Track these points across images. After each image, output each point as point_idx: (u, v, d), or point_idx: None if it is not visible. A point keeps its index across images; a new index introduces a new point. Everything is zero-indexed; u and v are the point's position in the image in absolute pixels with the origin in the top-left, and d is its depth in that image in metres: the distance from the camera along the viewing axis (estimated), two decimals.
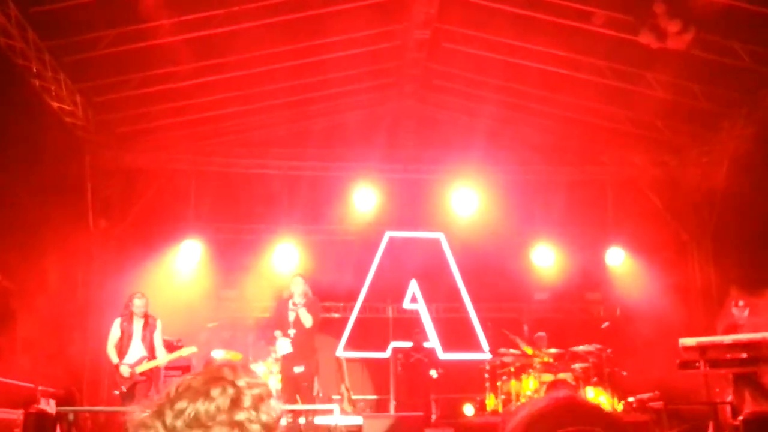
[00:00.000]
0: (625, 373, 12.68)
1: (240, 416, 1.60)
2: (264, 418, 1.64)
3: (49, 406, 10.45)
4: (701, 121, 14.44)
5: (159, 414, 1.62)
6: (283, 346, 10.28)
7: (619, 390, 12.46)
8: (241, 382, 1.66)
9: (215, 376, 1.66)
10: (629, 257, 15.33)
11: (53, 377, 11.34)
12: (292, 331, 10.27)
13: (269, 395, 1.69)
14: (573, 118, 15.19)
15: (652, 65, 12.63)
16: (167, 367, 10.83)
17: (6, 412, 9.54)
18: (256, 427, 1.62)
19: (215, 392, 1.62)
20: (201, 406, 1.60)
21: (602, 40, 12.35)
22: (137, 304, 10.13)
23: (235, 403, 1.62)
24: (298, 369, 10.10)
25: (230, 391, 1.63)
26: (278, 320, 10.50)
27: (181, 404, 1.61)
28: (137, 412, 1.66)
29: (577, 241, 15.52)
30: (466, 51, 13.73)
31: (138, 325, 10.12)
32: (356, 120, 15.79)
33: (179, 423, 1.59)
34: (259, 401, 1.65)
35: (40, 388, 10.68)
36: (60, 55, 11.93)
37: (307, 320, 10.24)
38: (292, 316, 10.34)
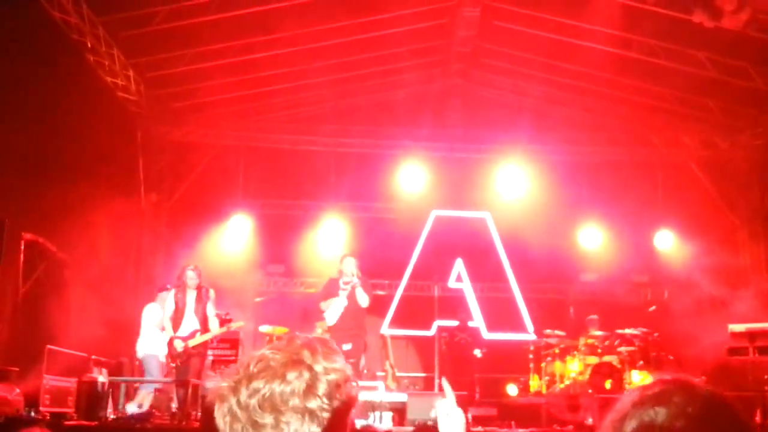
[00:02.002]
0: (671, 358, 12.55)
1: (312, 404, 1.61)
2: (336, 405, 1.65)
3: (102, 376, 10.73)
4: (755, 102, 14.13)
5: (235, 390, 1.64)
6: (335, 308, 10.29)
7: (665, 374, 12.33)
8: (319, 367, 1.65)
9: (294, 358, 1.66)
10: (678, 240, 15.12)
11: (105, 347, 11.62)
12: (339, 311, 10.28)
13: (346, 381, 1.69)
14: (622, 97, 14.99)
15: (705, 44, 12.40)
16: (217, 340, 11.01)
17: (61, 380, 9.81)
18: (326, 415, 1.62)
19: (291, 375, 1.62)
20: (276, 387, 1.61)
21: (654, 19, 12.13)
22: (190, 275, 10.20)
23: (310, 389, 1.62)
24: (346, 346, 10.14)
25: (306, 375, 1.63)
26: (326, 298, 10.51)
27: (257, 383, 1.62)
28: (217, 383, 1.69)
29: (626, 222, 15.34)
30: (515, 29, 13.62)
31: (191, 297, 10.19)
32: (404, 98, 15.76)
33: (253, 402, 1.61)
34: (334, 388, 1.65)
35: (92, 357, 10.94)
36: (114, 30, 12.11)
37: (363, 299, 10.20)
38: (343, 295, 10.32)
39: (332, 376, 1.66)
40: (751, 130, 14.86)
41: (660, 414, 1.51)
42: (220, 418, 1.66)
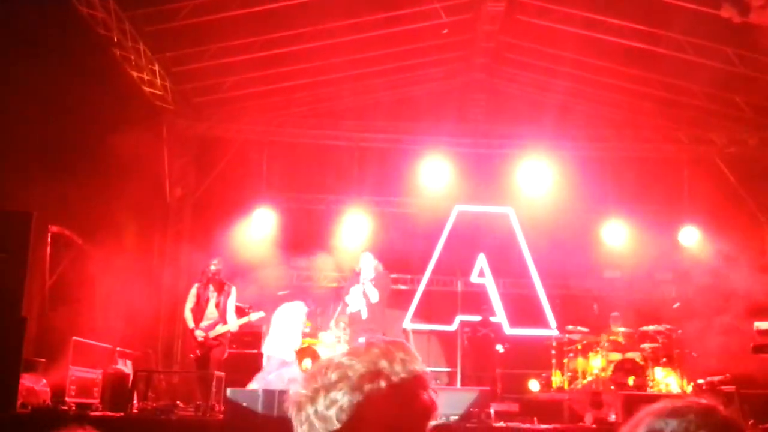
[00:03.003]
0: (695, 355, 12.46)
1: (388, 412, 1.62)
2: (413, 414, 1.64)
3: (126, 367, 10.87)
4: None
5: (313, 399, 1.65)
6: (356, 300, 10.43)
7: (688, 372, 12.26)
8: (396, 378, 1.64)
9: (371, 369, 1.65)
10: (703, 237, 14.99)
11: (130, 339, 11.74)
12: (362, 305, 10.43)
13: (423, 388, 1.67)
14: (649, 93, 14.86)
15: (733, 40, 12.27)
16: (238, 332, 11.09)
17: (86, 372, 9.94)
18: (403, 423, 1.63)
19: (368, 387, 1.63)
20: (354, 400, 1.62)
21: (682, 14, 12.00)
22: (213, 270, 10.41)
23: (386, 397, 1.62)
24: (361, 339, 10.21)
25: (383, 385, 1.63)
26: (350, 291, 10.70)
27: (335, 394, 1.63)
28: (296, 391, 1.69)
29: (650, 219, 15.21)
30: (539, 24, 13.54)
31: (213, 291, 10.37)
32: (426, 93, 15.76)
33: (330, 413, 1.62)
34: (411, 397, 1.64)
35: (117, 349, 11.08)
36: (140, 25, 12.22)
37: (373, 295, 10.38)
38: (359, 290, 10.51)
39: (409, 385, 1.65)
40: None
41: (670, 425, 1.51)
42: (298, 425, 1.67)
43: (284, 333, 10.56)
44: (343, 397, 1.62)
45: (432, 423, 1.64)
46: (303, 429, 1.66)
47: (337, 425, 1.61)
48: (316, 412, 1.63)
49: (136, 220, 12.63)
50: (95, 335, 10.70)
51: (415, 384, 1.66)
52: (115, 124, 11.74)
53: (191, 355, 10.45)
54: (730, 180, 15.34)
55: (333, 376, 1.65)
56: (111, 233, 12.00)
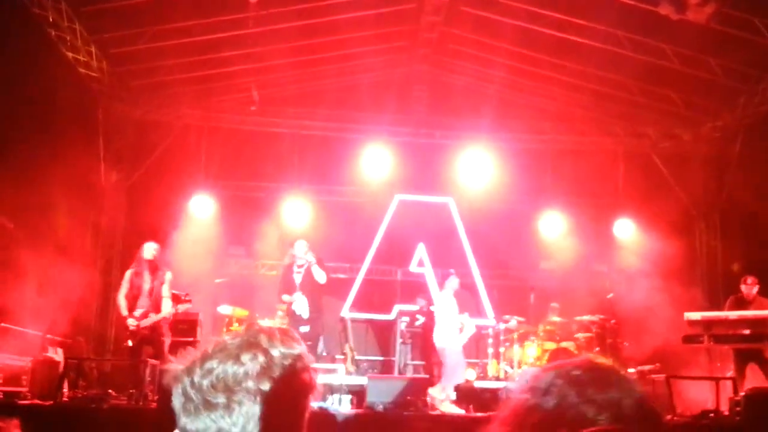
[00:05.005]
0: (626, 344, 12.74)
1: (265, 386, 1.59)
2: (291, 389, 1.63)
3: (57, 355, 10.59)
4: (717, 96, 14.33)
5: (189, 371, 1.61)
6: (300, 304, 10.40)
7: (620, 360, 12.52)
8: (276, 352, 1.63)
9: (251, 341, 1.64)
10: (637, 229, 15.31)
11: (62, 326, 11.47)
12: (298, 294, 10.42)
13: (303, 367, 1.67)
14: (586, 87, 15.07)
15: (670, 37, 12.52)
16: (174, 320, 10.86)
17: (15, 359, 9.68)
18: (279, 398, 1.60)
19: (246, 357, 1.60)
20: (230, 368, 1.59)
21: (620, 9, 12.20)
22: (147, 254, 10.09)
23: (264, 371, 1.60)
24: (304, 329, 10.19)
25: (261, 358, 1.61)
26: (285, 285, 10.65)
27: (210, 364, 1.60)
28: (174, 364, 1.66)
29: (587, 211, 15.49)
30: (482, 15, 13.61)
31: (147, 277, 10.07)
32: (369, 82, 15.70)
33: (206, 382, 1.58)
34: (290, 373, 1.63)
35: (48, 336, 10.80)
36: (76, 5, 11.90)
37: (321, 276, 10.34)
38: (298, 279, 10.48)
39: (288, 362, 1.64)
40: (712, 123, 15.07)
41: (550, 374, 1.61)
42: (176, 398, 1.63)
43: (445, 320, 10.57)
44: (218, 366, 1.59)
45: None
46: (180, 401, 1.62)
47: (212, 394, 1.58)
48: (192, 382, 1.60)
49: (70, 204, 12.29)
50: (25, 322, 10.42)
51: (295, 361, 1.65)
52: (49, 106, 11.42)
53: (126, 343, 10.17)
54: (663, 173, 15.68)
55: (210, 348, 1.64)
56: (43, 218, 11.68)
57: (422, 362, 13.22)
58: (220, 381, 1.58)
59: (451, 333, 10.60)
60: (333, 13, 13.17)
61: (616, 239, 15.54)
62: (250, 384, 1.58)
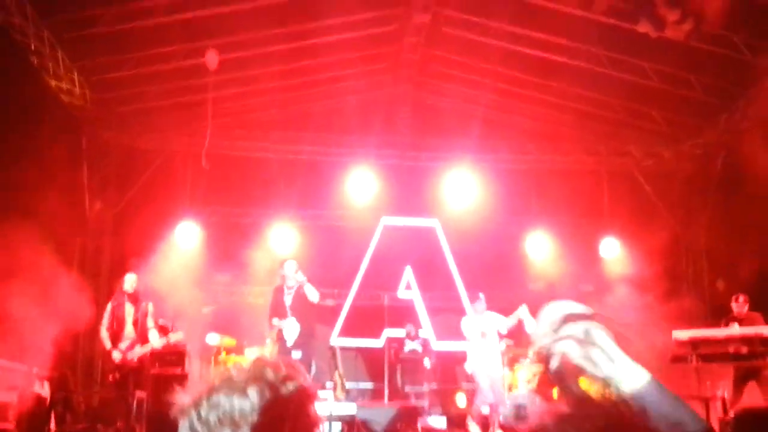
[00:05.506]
0: None
1: (272, 421, 1.59)
2: (297, 424, 1.63)
3: (43, 389, 10.46)
4: (698, 113, 14.45)
5: (196, 404, 1.61)
6: (291, 328, 10.29)
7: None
8: (282, 386, 1.64)
9: (257, 375, 1.64)
10: (623, 248, 15.35)
11: (48, 360, 11.31)
12: (290, 318, 10.31)
13: (310, 403, 1.67)
14: (569, 106, 15.16)
15: (650, 55, 12.63)
16: (161, 351, 10.78)
17: (1, 395, 9.54)
18: None
19: (252, 391, 1.60)
20: (236, 403, 1.59)
21: (600, 28, 12.30)
22: (127, 286, 10.10)
23: (271, 406, 1.60)
24: (296, 354, 10.11)
25: (268, 393, 1.61)
26: (275, 308, 10.51)
27: (217, 398, 1.60)
28: (183, 397, 1.65)
29: (572, 231, 15.55)
30: (464, 36, 13.68)
31: (129, 309, 10.07)
32: (354, 105, 15.73)
33: (213, 417, 1.59)
34: (296, 408, 1.63)
35: (34, 370, 10.66)
36: (59, 32, 11.84)
37: (314, 295, 10.23)
38: (289, 300, 10.36)
39: (295, 396, 1.64)
40: (693, 140, 15.19)
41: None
42: None
43: (474, 344, 10.60)
44: (225, 400, 1.60)
45: None
46: None
47: (219, 428, 1.58)
48: (199, 416, 1.60)
49: (54, 235, 12.17)
50: (11, 356, 10.28)
51: (301, 396, 1.66)
52: (31, 134, 11.34)
53: (110, 377, 10.09)
54: (647, 191, 15.76)
55: (217, 381, 1.64)
56: (27, 247, 11.54)
57: (414, 387, 13.18)
58: (227, 416, 1.59)
59: (479, 357, 10.59)
60: (316, 37, 13.18)
61: (602, 258, 15.57)
62: (257, 418, 1.59)
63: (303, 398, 1.66)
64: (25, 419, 9.40)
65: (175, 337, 10.39)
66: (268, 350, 11.78)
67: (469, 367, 10.66)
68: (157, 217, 14.46)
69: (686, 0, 10.89)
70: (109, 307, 10.20)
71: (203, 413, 1.59)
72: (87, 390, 12.98)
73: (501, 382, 10.71)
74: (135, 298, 10.17)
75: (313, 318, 10.65)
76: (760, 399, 9.42)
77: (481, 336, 10.65)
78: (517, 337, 13.12)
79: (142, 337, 10.02)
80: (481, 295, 11.06)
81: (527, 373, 12.29)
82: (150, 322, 10.14)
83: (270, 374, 1.65)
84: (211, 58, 12.02)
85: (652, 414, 1.60)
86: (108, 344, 9.94)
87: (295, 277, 10.34)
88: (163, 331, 10.56)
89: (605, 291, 15.30)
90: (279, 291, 10.59)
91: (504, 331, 10.85)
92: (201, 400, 1.61)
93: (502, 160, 15.94)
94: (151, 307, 10.24)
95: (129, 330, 10.05)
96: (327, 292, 14.74)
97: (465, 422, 9.86)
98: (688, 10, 10.92)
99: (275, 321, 10.42)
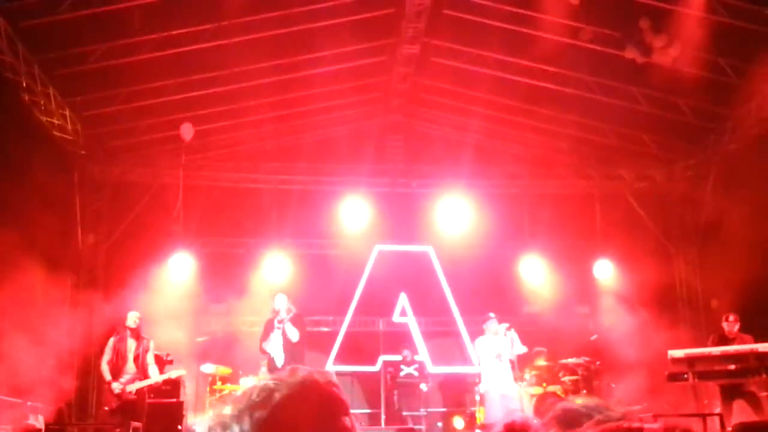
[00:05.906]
0: (614, 385, 12.71)
1: None
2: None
3: (38, 422, 10.40)
4: (687, 136, 14.59)
5: (239, 418, 1.62)
6: (279, 355, 10.34)
7: (608, 402, 12.45)
8: (321, 399, 1.66)
9: (298, 390, 1.65)
10: (617, 270, 15.38)
11: (42, 393, 11.26)
12: (279, 349, 10.37)
13: (346, 413, 1.68)
14: (560, 132, 15.28)
15: (638, 80, 12.77)
16: (158, 383, 10.77)
17: None
18: None
19: (291, 407, 1.61)
20: (280, 416, 1.60)
21: (589, 55, 12.46)
22: (130, 322, 10.21)
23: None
24: None
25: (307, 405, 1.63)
26: (266, 339, 10.60)
27: (260, 413, 1.61)
28: (221, 412, 1.67)
29: (566, 254, 15.55)
30: (453, 65, 13.83)
31: (131, 344, 10.17)
32: (345, 134, 15.83)
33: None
34: (329, 422, 1.64)
35: (29, 403, 10.61)
36: (49, 69, 11.94)
37: (294, 334, 10.35)
38: (278, 334, 10.44)
39: (334, 408, 1.66)
40: (683, 162, 15.31)
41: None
42: None
43: (487, 365, 10.58)
44: (267, 417, 1.60)
45: None
46: None
47: None
48: (241, 430, 1.61)
49: (47, 268, 12.17)
50: (5, 390, 10.23)
51: (338, 407, 1.66)
52: (23, 170, 11.37)
53: (105, 408, 10.08)
54: (639, 214, 15.84)
55: (257, 397, 1.64)
56: (21, 283, 11.53)
57: (411, 412, 13.11)
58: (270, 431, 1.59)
59: (491, 378, 10.56)
60: (307, 68, 13.32)
61: (597, 281, 15.58)
62: None
63: (339, 408, 1.67)
64: None
65: (176, 373, 10.48)
66: (262, 378, 11.74)
67: (482, 387, 10.63)
68: (150, 248, 14.44)
69: (671, 26, 11.09)
70: (111, 341, 10.29)
71: (245, 428, 1.61)
72: (82, 422, 12.87)
73: (516, 401, 10.67)
74: (137, 334, 10.29)
75: (301, 351, 10.68)
76: (751, 415, 9.38)
77: (495, 357, 10.66)
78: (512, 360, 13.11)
79: (143, 372, 10.09)
80: (492, 315, 11.06)
81: (525, 395, 12.24)
82: (150, 358, 10.27)
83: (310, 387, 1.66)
84: (186, 130, 12.29)
85: None
86: (108, 377, 9.99)
87: (284, 314, 10.44)
88: (159, 361, 10.56)
89: (601, 312, 15.33)
90: (270, 324, 10.73)
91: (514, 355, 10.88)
92: (243, 415, 1.62)
93: (494, 186, 16.01)
94: (152, 345, 10.38)
95: (130, 365, 10.14)
96: (322, 319, 14.76)
97: None
98: (674, 36, 11.11)
99: (265, 345, 10.49)
